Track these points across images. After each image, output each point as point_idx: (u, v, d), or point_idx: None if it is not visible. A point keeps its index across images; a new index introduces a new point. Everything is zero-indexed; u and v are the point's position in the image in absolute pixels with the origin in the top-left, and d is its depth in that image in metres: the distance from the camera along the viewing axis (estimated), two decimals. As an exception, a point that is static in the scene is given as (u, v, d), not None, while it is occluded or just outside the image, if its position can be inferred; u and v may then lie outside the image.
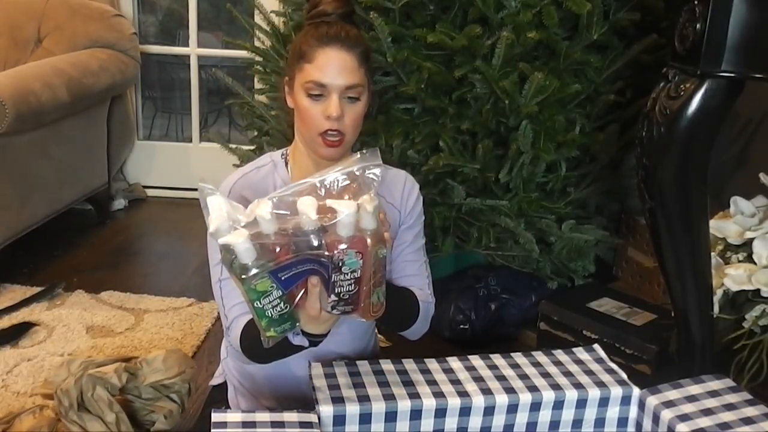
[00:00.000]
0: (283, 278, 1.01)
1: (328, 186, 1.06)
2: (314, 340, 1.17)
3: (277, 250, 1.01)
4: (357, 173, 1.07)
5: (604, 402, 1.24)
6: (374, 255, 1.07)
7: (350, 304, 1.08)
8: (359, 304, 1.09)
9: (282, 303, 1.03)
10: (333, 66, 1.28)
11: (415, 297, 1.41)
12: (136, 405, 1.63)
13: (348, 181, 1.07)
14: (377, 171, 1.08)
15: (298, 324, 1.08)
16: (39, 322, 2.15)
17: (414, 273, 1.42)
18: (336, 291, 1.06)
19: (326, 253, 1.02)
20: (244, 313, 1.31)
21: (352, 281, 1.06)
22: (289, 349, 1.20)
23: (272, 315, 1.03)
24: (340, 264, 1.04)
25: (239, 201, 1.23)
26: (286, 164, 1.40)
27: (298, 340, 1.13)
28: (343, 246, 1.03)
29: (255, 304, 1.02)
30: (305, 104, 1.31)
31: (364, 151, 1.10)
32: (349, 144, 1.34)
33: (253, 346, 1.27)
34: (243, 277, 1.01)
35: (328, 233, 1.03)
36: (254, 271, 1.00)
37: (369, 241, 1.05)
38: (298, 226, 1.02)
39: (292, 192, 1.04)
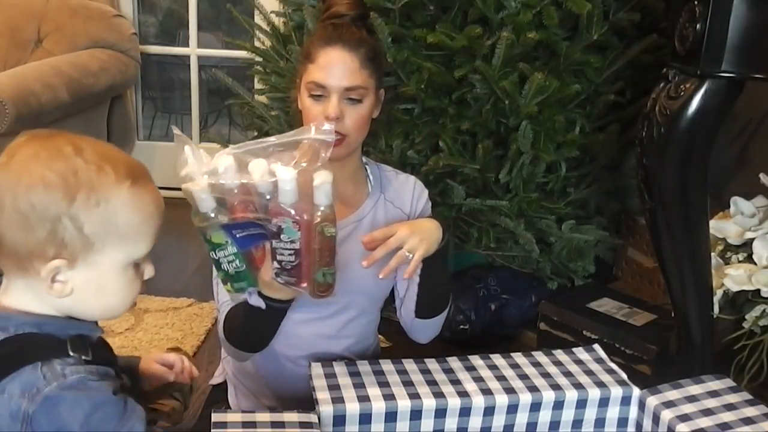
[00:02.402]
0: (238, 236, 1.01)
1: (282, 149, 1.05)
2: (273, 304, 1.15)
3: (235, 204, 1.02)
4: (313, 144, 1.05)
5: (604, 402, 1.24)
6: (319, 231, 1.06)
7: (293, 276, 1.08)
8: (302, 279, 1.08)
9: (237, 260, 1.04)
10: (333, 66, 1.28)
11: (449, 290, 1.42)
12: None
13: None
14: (328, 138, 1.05)
15: (254, 284, 1.09)
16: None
17: None
18: (277, 259, 1.06)
19: (267, 217, 1.03)
20: (232, 304, 1.31)
21: (292, 252, 1.06)
22: (261, 325, 1.21)
23: (228, 270, 1.04)
24: (279, 231, 1.04)
25: None
26: None
27: (253, 300, 1.11)
28: (282, 214, 1.03)
29: (211, 255, 1.04)
30: (307, 104, 1.31)
31: (322, 126, 1.07)
32: (353, 145, 1.34)
33: (232, 330, 1.29)
34: (198, 225, 1.02)
35: (273, 199, 1.02)
36: (209, 222, 1.01)
37: (318, 215, 1.04)
38: (254, 187, 1.02)
39: (253, 149, 1.03)
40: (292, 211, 1.03)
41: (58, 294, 0.77)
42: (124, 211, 0.78)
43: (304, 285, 1.09)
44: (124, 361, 0.98)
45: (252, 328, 1.26)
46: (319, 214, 1.05)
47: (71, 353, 0.76)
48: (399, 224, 1.24)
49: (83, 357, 0.77)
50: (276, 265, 1.07)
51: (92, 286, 0.78)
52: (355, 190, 1.42)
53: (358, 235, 1.32)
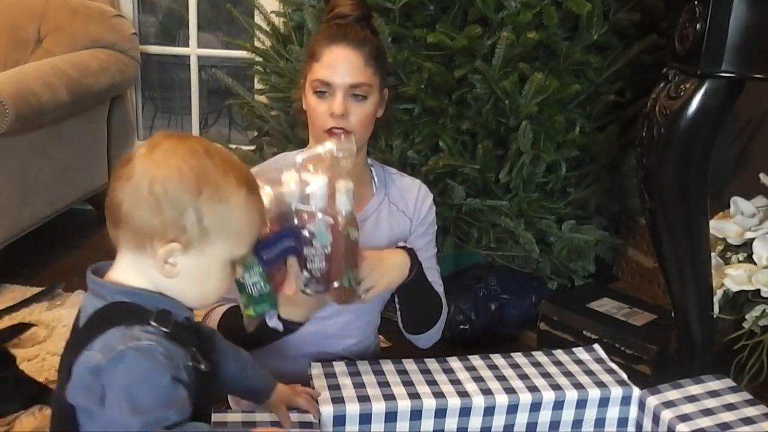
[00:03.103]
0: (264, 257, 1.03)
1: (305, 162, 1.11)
2: (289, 326, 1.18)
3: (266, 218, 1.04)
4: (335, 155, 1.12)
5: (604, 402, 1.24)
6: (346, 235, 1.10)
7: (321, 284, 1.11)
8: (330, 284, 1.12)
9: (262, 281, 1.05)
10: (338, 64, 1.29)
11: (441, 300, 1.43)
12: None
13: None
14: (350, 157, 1.13)
15: (275, 307, 1.10)
16: (39, 322, 2.14)
17: (430, 279, 1.41)
18: (308, 267, 1.09)
19: (299, 224, 1.07)
20: (223, 303, 1.32)
21: (323, 257, 1.10)
22: (266, 338, 1.21)
23: (252, 292, 1.05)
24: (312, 237, 1.08)
25: None
26: None
27: (273, 322, 1.13)
28: (315, 220, 1.08)
29: (238, 279, 1.05)
30: (312, 102, 1.32)
31: (342, 137, 1.15)
32: (358, 143, 1.34)
33: (229, 331, 1.28)
34: None
35: (299, 207, 1.07)
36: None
37: (341, 220, 1.09)
38: (281, 199, 1.06)
39: (275, 168, 1.09)
40: (323, 215, 1.08)
41: (167, 274, 0.85)
42: (238, 212, 0.87)
43: (333, 289, 1.12)
44: (259, 379, 1.08)
45: (256, 341, 1.27)
46: (342, 218, 1.10)
47: (152, 323, 0.84)
48: (367, 256, 1.21)
49: (163, 329, 0.84)
50: (305, 274, 1.10)
51: (197, 273, 0.87)
52: (360, 191, 1.42)
53: (361, 236, 1.32)
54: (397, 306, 1.39)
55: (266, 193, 1.04)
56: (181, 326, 0.87)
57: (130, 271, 0.88)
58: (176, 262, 0.85)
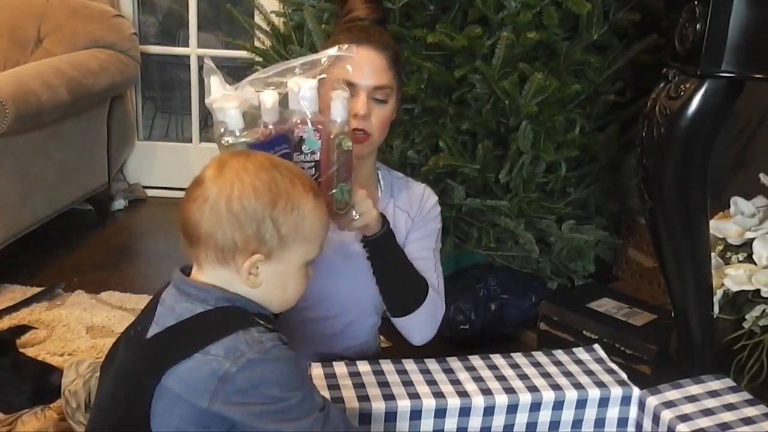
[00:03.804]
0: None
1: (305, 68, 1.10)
2: None
3: (261, 128, 1.07)
4: (330, 55, 1.11)
5: (604, 402, 1.24)
6: (338, 144, 1.10)
7: None
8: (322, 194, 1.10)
9: None
10: (363, 65, 1.29)
11: (424, 279, 1.38)
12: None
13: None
14: (350, 54, 1.14)
15: None
16: (39, 322, 2.15)
17: (422, 269, 1.39)
18: None
19: (290, 129, 1.07)
20: None
21: (312, 164, 1.10)
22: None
23: None
24: (300, 143, 1.08)
25: None
26: None
27: None
28: (304, 124, 1.08)
29: None
30: None
31: (342, 46, 1.15)
32: (374, 144, 1.35)
33: None
34: (225, 146, 1.06)
35: (295, 110, 1.08)
36: (235, 140, 1.05)
37: (334, 128, 1.09)
38: (280, 103, 1.07)
39: (273, 73, 1.09)
40: (310, 118, 1.08)
41: (252, 284, 0.91)
42: (310, 217, 0.92)
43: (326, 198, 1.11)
44: None
45: None
46: (337, 126, 1.09)
47: (261, 322, 0.90)
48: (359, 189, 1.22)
49: (269, 327, 0.90)
50: None
51: (278, 279, 0.93)
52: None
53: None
54: (377, 284, 1.36)
55: (268, 94, 1.06)
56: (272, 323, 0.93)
57: (215, 281, 0.92)
58: (258, 273, 0.90)
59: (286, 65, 1.10)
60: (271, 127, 1.07)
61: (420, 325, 1.39)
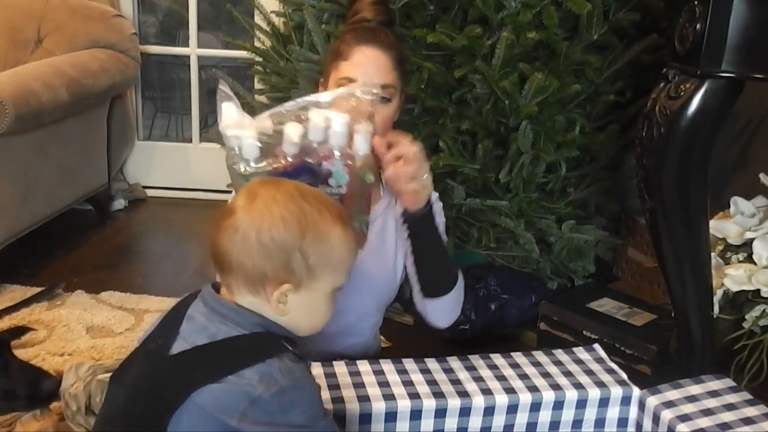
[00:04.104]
0: None
1: (328, 103, 1.13)
2: None
3: (277, 156, 1.08)
4: (356, 96, 1.14)
5: (604, 402, 1.24)
6: (361, 177, 1.12)
7: None
8: None
9: None
10: (368, 64, 1.30)
11: (455, 264, 1.40)
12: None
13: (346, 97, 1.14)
14: (372, 98, 1.15)
15: None
16: (39, 322, 2.14)
17: None
18: None
19: (317, 161, 1.09)
20: None
21: (338, 197, 1.12)
22: None
23: None
24: (328, 175, 1.10)
25: None
26: None
27: None
28: (333, 157, 1.10)
29: None
30: None
31: (373, 89, 1.16)
32: None
33: None
34: (240, 173, 1.07)
35: (324, 143, 1.10)
36: (253, 167, 1.07)
37: (357, 162, 1.11)
38: (304, 134, 1.09)
39: (295, 108, 1.11)
40: (341, 154, 1.10)
41: (281, 313, 0.93)
42: (338, 247, 0.94)
43: None
44: None
45: None
46: (359, 160, 1.11)
47: (290, 349, 0.93)
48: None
49: (296, 353, 0.93)
50: None
51: (306, 307, 0.95)
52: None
53: (368, 238, 1.32)
54: (414, 264, 1.36)
55: (294, 127, 1.07)
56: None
57: (245, 306, 0.94)
58: (287, 301, 0.92)
59: (308, 100, 1.12)
60: (290, 158, 1.09)
61: (448, 308, 1.40)
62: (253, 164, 1.08)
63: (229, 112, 1.09)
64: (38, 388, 1.50)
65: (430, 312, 1.41)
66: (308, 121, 1.09)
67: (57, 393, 1.49)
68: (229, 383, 0.87)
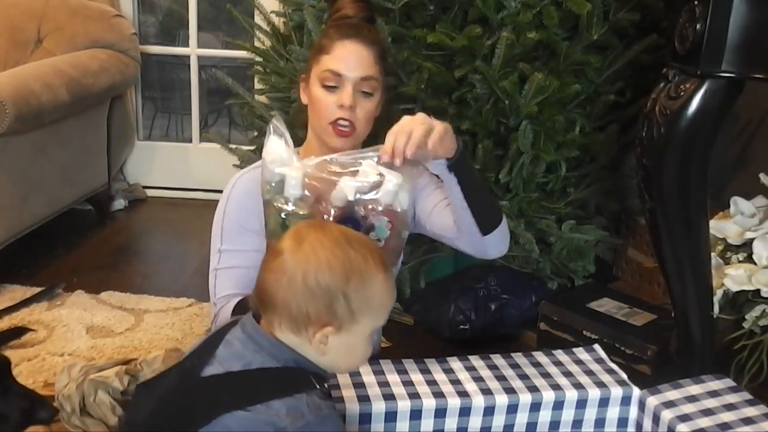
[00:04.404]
0: None
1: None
2: None
3: (322, 203, 1.12)
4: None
5: (604, 402, 1.24)
6: (399, 233, 1.16)
7: None
8: None
9: None
10: (350, 57, 1.32)
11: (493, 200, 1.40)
12: (135, 405, 1.62)
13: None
14: (420, 168, 1.19)
15: None
16: (39, 322, 2.14)
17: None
18: None
19: (361, 214, 1.13)
20: (235, 295, 1.34)
21: None
22: None
23: None
24: (370, 229, 1.14)
25: (243, 193, 1.29)
26: None
27: None
28: (378, 212, 1.13)
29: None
30: (319, 94, 1.33)
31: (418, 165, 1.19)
32: (359, 138, 1.36)
33: None
34: (281, 206, 1.11)
35: (366, 198, 1.13)
36: (291, 208, 1.11)
37: (398, 218, 1.15)
38: (351, 187, 1.13)
39: (345, 160, 1.14)
40: (386, 211, 1.14)
41: (321, 352, 0.96)
42: (380, 292, 0.97)
43: None
44: None
45: None
46: (401, 217, 1.15)
47: (318, 387, 0.96)
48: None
49: (324, 391, 0.97)
50: None
51: (345, 348, 0.97)
52: None
53: None
54: (469, 209, 1.32)
55: (349, 184, 1.11)
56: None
57: (291, 342, 0.97)
58: (328, 342, 0.95)
59: (361, 154, 1.15)
60: (336, 209, 1.13)
61: (501, 238, 1.40)
62: (291, 205, 1.12)
63: (278, 148, 1.12)
64: (33, 417, 1.50)
65: (490, 247, 1.39)
66: (360, 174, 1.13)
67: (51, 421, 1.50)
68: (257, 412, 0.90)
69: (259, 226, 1.33)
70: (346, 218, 1.12)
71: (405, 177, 1.14)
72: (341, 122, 1.31)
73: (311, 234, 0.96)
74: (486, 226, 1.35)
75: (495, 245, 1.40)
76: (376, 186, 1.12)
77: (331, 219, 1.12)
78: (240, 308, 1.32)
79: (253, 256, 1.33)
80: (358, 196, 1.12)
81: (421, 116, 1.18)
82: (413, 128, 1.15)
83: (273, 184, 1.12)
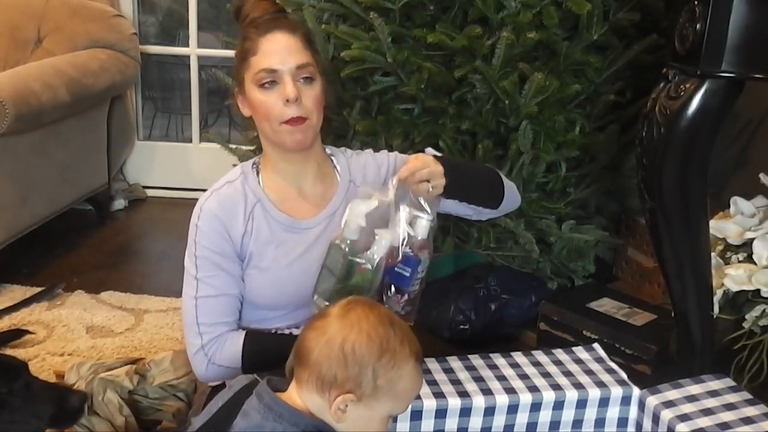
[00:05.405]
0: (407, 286, 1.24)
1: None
2: None
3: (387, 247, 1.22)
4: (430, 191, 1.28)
5: (604, 402, 1.24)
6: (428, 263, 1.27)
7: (412, 305, 1.26)
8: (414, 308, 1.26)
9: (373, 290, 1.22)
10: (279, 49, 1.28)
11: (483, 163, 1.48)
12: (143, 405, 1.62)
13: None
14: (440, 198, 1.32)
15: None
16: (39, 322, 2.15)
17: None
18: (408, 290, 1.24)
19: (411, 253, 1.24)
20: (234, 330, 1.34)
21: (419, 281, 1.25)
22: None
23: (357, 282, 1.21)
24: (418, 263, 1.23)
25: (211, 220, 1.33)
26: (258, 173, 1.39)
27: None
28: (424, 249, 1.25)
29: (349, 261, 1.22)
30: (260, 97, 1.29)
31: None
32: (315, 129, 1.33)
33: (258, 355, 1.30)
34: (350, 256, 1.21)
35: (414, 237, 1.25)
36: (346, 248, 1.21)
37: (431, 246, 1.26)
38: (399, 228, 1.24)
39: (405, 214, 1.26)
40: (426, 245, 1.26)
41: (337, 419, 0.99)
42: (406, 378, 1.00)
43: (411, 312, 1.27)
44: None
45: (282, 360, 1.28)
46: (430, 244, 1.27)
47: None
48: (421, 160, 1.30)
49: None
50: (405, 297, 1.24)
51: (362, 422, 1.01)
52: (324, 187, 1.41)
53: (332, 230, 1.32)
54: (472, 204, 1.43)
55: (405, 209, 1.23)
56: None
57: (313, 402, 1.01)
58: (346, 410, 0.98)
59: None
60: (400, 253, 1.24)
61: (512, 198, 1.48)
62: (348, 242, 1.21)
63: (363, 210, 1.22)
64: (64, 405, 1.49)
65: (507, 207, 1.49)
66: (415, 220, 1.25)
67: (83, 408, 1.48)
68: None
69: (231, 249, 1.33)
70: (411, 261, 1.23)
71: (432, 211, 1.25)
72: (294, 120, 1.28)
73: (359, 307, 1.02)
74: (495, 203, 1.44)
75: (511, 204, 1.49)
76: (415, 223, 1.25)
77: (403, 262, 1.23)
78: (251, 344, 1.32)
79: (232, 282, 1.34)
80: (411, 235, 1.23)
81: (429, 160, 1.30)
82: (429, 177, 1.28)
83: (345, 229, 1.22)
